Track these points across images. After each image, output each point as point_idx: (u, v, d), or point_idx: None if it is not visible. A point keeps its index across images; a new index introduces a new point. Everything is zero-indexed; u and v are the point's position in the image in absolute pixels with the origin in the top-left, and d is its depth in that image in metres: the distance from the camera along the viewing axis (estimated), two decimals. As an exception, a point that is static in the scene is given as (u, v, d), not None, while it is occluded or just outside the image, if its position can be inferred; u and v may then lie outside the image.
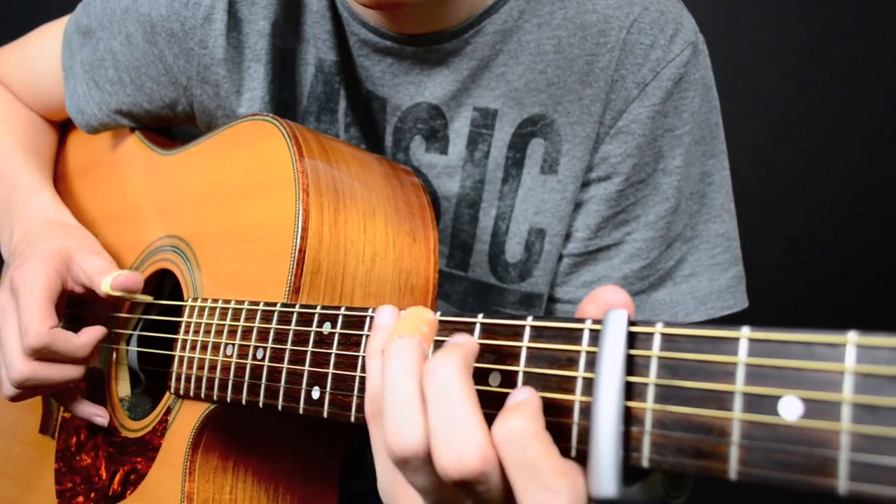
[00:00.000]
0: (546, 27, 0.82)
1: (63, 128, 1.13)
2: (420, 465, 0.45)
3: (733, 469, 0.38)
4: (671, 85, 0.81)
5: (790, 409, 0.37)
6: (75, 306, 0.93)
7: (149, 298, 0.85)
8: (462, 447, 0.42)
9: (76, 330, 0.81)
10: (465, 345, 0.46)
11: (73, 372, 0.81)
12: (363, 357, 0.57)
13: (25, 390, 0.81)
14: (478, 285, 0.88)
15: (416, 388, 0.45)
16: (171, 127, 1.03)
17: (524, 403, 0.44)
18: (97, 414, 0.85)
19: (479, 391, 0.49)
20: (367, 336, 0.57)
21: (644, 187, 0.83)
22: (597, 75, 0.81)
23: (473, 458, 0.42)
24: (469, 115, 0.85)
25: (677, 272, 0.86)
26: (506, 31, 0.82)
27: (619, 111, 0.82)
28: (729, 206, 0.88)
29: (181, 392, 0.74)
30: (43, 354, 0.79)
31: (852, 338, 0.36)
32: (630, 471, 0.42)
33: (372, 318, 0.57)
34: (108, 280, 0.82)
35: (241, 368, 0.68)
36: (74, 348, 0.80)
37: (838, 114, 1.82)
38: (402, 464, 0.45)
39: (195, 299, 0.76)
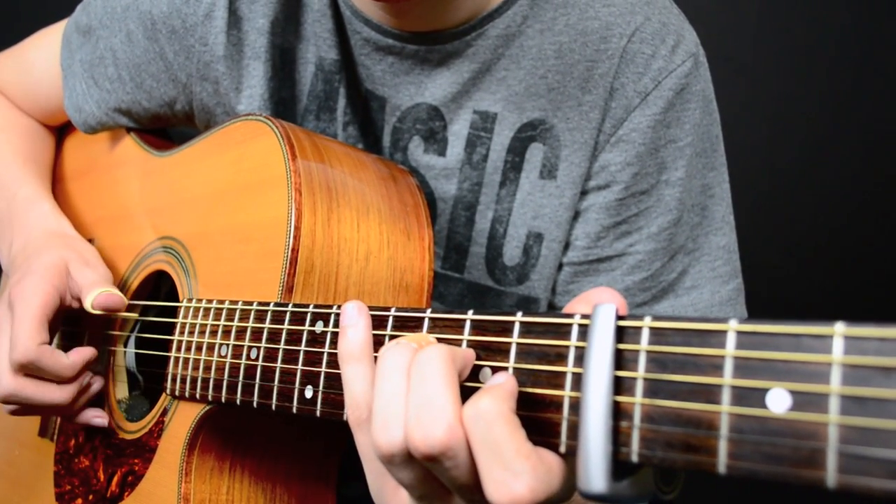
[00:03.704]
0: (548, 33, 0.82)
1: (60, 132, 1.13)
2: (406, 460, 0.46)
3: (722, 463, 0.38)
4: (673, 95, 0.81)
5: (778, 401, 0.37)
6: (72, 323, 0.93)
7: (132, 315, 0.85)
8: (430, 424, 0.43)
9: (72, 347, 0.81)
10: (455, 348, 0.48)
11: (58, 394, 0.80)
12: None
13: (18, 407, 0.81)
14: (474, 287, 0.88)
15: (405, 384, 0.46)
16: (166, 129, 1.03)
17: (497, 386, 0.45)
18: (96, 416, 0.85)
19: (469, 388, 0.49)
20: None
21: (646, 198, 0.83)
22: (596, 81, 0.81)
23: (440, 433, 0.43)
24: (468, 118, 0.85)
25: (679, 284, 0.86)
26: (508, 35, 0.82)
27: (620, 119, 0.81)
28: (729, 219, 0.88)
29: (177, 393, 0.74)
30: (30, 371, 0.78)
31: (840, 329, 0.36)
32: (620, 466, 0.42)
33: None
34: (91, 296, 0.81)
35: (235, 368, 0.67)
36: (61, 367, 0.79)
37: (836, 115, 1.81)
38: (388, 460, 0.46)
39: (190, 300, 0.76)
